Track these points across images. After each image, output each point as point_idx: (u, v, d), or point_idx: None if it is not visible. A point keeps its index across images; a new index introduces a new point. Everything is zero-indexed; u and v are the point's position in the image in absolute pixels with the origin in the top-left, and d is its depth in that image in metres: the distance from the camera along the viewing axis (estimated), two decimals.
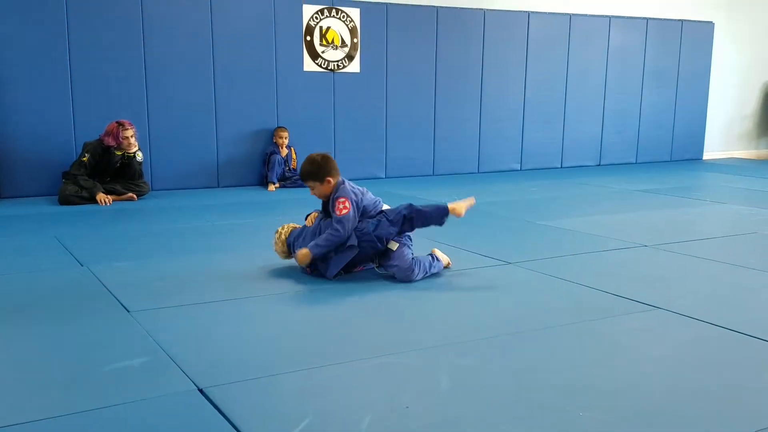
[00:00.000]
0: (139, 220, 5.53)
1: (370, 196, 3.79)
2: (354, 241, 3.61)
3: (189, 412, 2.15)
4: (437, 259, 3.80)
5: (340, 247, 3.62)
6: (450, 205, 3.71)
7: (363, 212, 3.71)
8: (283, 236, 3.87)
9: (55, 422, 2.07)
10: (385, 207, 3.81)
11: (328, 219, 3.72)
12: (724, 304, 3.29)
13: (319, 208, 3.91)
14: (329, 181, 3.71)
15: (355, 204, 3.66)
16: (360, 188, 3.78)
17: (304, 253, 3.62)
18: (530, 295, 3.44)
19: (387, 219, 3.66)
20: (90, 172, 6.15)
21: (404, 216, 3.65)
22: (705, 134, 10.23)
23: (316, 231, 3.74)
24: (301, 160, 7.26)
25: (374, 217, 3.71)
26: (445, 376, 2.43)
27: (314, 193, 3.80)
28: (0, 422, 2.05)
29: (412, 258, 3.68)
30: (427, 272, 3.70)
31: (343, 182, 3.74)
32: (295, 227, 3.93)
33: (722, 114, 10.47)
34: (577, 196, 6.80)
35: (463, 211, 3.75)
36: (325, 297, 3.38)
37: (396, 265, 3.64)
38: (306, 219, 3.95)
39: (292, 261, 3.86)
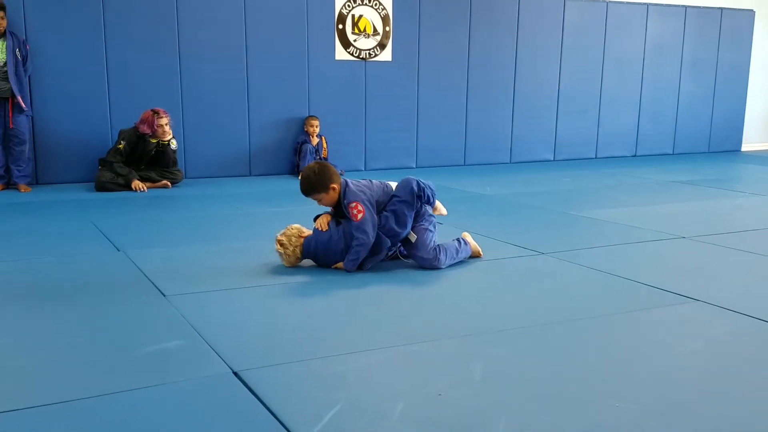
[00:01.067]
0: (174, 207, 5.59)
1: (377, 185, 3.70)
2: (386, 242, 3.58)
3: (224, 394, 2.17)
4: (465, 242, 3.76)
5: (373, 248, 3.58)
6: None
7: (378, 206, 3.63)
8: (291, 249, 3.59)
9: (94, 401, 2.10)
10: (392, 184, 3.73)
11: (342, 219, 3.65)
12: (763, 297, 3.22)
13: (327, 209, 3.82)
14: (334, 188, 3.62)
15: (368, 204, 3.58)
16: (364, 182, 3.71)
17: (340, 266, 3.60)
18: (563, 286, 3.40)
19: (401, 201, 3.59)
20: (125, 159, 6.24)
21: (414, 193, 3.59)
22: (744, 125, 10.01)
23: (334, 237, 3.61)
24: (333, 150, 7.42)
25: (388, 203, 3.63)
26: (478, 365, 2.42)
27: (323, 204, 3.71)
28: (41, 401, 2.09)
29: (437, 246, 3.64)
30: (454, 258, 3.67)
31: (347, 184, 3.65)
32: (301, 233, 3.66)
33: (762, 105, 10.23)
34: (612, 187, 6.71)
35: (443, 211, 3.86)
36: (358, 284, 3.38)
37: (419, 255, 3.61)
38: (315, 222, 3.74)
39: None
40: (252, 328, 2.76)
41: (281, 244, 3.59)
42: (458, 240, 3.78)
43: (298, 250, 3.60)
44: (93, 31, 6.46)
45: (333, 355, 2.47)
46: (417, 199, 3.60)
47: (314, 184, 3.62)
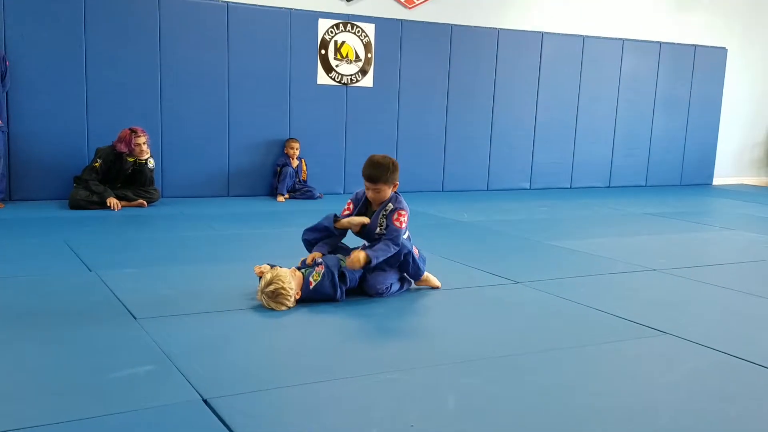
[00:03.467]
0: (149, 226, 5.54)
1: None
2: (409, 257, 3.55)
3: (193, 423, 2.14)
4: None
5: (393, 260, 3.52)
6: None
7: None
8: (293, 293, 3.27)
9: (59, 428, 2.06)
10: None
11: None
12: (734, 332, 3.27)
13: (309, 253, 3.63)
14: (396, 186, 3.62)
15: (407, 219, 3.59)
16: None
17: (362, 256, 3.39)
18: (538, 316, 3.42)
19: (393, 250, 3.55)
20: (101, 177, 6.19)
21: (399, 260, 3.57)
22: (715, 160, 10.21)
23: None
24: (312, 172, 7.43)
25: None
26: (451, 394, 2.42)
27: (375, 197, 3.56)
28: (4, 426, 2.05)
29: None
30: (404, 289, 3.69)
31: (398, 193, 3.67)
32: (285, 272, 3.31)
33: (733, 140, 10.44)
34: (587, 218, 6.79)
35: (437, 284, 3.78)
36: (332, 311, 3.37)
37: (373, 285, 3.54)
38: (304, 263, 3.53)
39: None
40: (224, 354, 2.73)
41: (281, 292, 3.24)
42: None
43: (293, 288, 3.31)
44: (73, 48, 6.43)
45: (306, 383, 2.46)
46: (398, 264, 3.58)
47: (389, 172, 3.53)
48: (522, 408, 2.34)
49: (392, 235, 3.52)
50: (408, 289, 3.72)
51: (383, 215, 3.61)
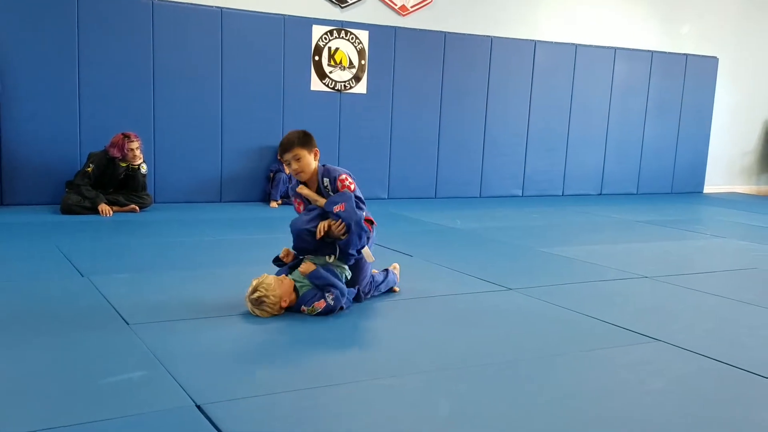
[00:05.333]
0: (141, 232, 5.53)
1: None
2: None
3: (186, 429, 2.14)
4: (392, 273, 3.75)
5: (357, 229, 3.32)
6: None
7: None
8: (277, 300, 3.24)
9: None
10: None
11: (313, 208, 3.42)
12: (724, 339, 3.29)
13: (283, 248, 3.53)
14: (317, 153, 3.42)
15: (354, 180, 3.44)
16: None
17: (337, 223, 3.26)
18: (530, 323, 3.43)
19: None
20: (94, 182, 6.17)
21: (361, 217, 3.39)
22: (706, 168, 10.27)
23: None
24: None
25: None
26: (444, 401, 2.43)
27: (297, 168, 3.36)
28: None
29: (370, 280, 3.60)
30: (379, 291, 3.67)
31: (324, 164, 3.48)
32: (271, 279, 3.29)
33: (724, 148, 10.52)
34: (578, 225, 6.82)
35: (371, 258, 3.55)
36: (325, 317, 3.38)
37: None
38: (280, 260, 3.49)
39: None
40: (218, 359, 2.73)
41: (264, 300, 3.22)
42: (386, 270, 3.78)
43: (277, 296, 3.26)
44: (66, 52, 6.42)
45: (299, 389, 2.46)
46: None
47: (300, 138, 3.36)
48: (514, 414, 2.35)
49: (354, 200, 3.28)
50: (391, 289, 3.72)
51: (326, 190, 3.39)
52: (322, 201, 3.42)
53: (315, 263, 3.41)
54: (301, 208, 3.58)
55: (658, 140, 9.74)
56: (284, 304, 3.31)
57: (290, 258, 3.52)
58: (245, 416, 2.24)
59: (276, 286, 3.28)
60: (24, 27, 6.27)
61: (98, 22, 6.51)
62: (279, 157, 3.45)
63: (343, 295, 3.34)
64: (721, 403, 2.54)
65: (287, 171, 7.20)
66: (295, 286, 3.38)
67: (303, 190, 3.49)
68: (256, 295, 3.24)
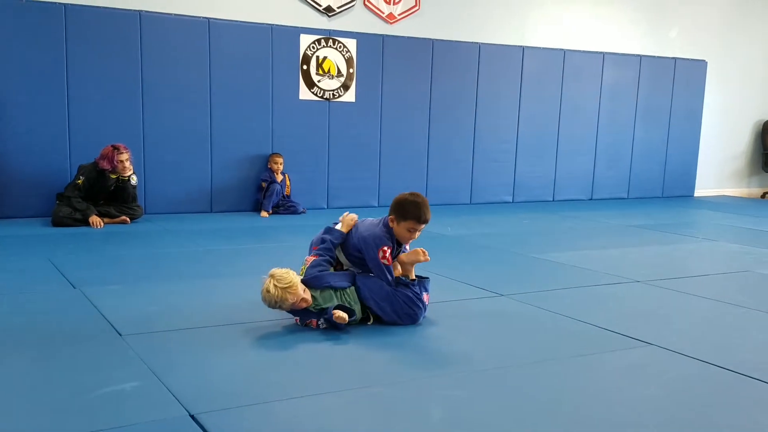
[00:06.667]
0: (132, 243, 5.51)
1: None
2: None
3: None
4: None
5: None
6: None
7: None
8: (298, 294, 3.23)
9: None
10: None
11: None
12: (717, 342, 3.30)
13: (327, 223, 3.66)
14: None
15: None
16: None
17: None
18: (522, 328, 3.44)
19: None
20: (84, 194, 6.15)
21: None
22: (696, 171, 10.33)
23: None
24: (295, 187, 7.43)
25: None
26: (435, 407, 2.42)
27: (416, 237, 3.48)
28: None
29: None
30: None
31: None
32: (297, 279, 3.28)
33: (714, 152, 10.59)
34: (569, 230, 6.84)
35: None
36: (317, 328, 3.37)
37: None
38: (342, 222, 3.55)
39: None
40: (211, 369, 2.72)
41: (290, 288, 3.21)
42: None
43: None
44: (55, 64, 6.41)
45: (292, 398, 2.46)
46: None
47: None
48: (507, 420, 2.35)
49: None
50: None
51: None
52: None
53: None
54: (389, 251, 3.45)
55: (648, 144, 9.80)
56: (296, 302, 3.23)
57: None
58: (239, 425, 2.23)
59: (299, 286, 3.23)
60: (12, 40, 6.25)
61: (86, 33, 6.50)
62: (416, 222, 3.38)
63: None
64: (714, 406, 2.55)
65: (278, 179, 7.20)
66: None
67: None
68: (284, 284, 3.17)
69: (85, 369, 2.68)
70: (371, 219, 3.61)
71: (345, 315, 3.23)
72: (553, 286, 4.29)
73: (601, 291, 4.26)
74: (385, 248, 3.39)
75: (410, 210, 3.40)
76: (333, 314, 3.22)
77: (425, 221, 3.45)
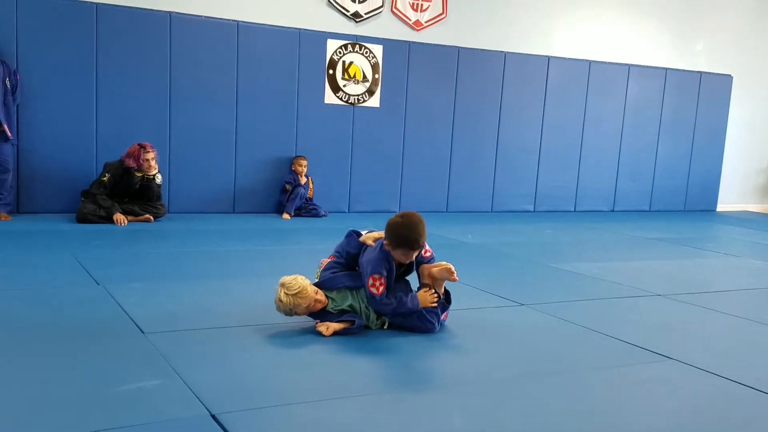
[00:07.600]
0: (156, 242, 5.57)
1: None
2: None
3: None
4: None
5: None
6: None
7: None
8: (309, 298, 3.28)
9: None
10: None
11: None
12: (739, 359, 3.27)
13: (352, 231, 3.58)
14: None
15: None
16: None
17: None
18: (543, 339, 3.43)
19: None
20: (109, 192, 6.23)
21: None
22: (720, 186, 10.23)
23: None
24: (318, 191, 7.47)
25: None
26: (457, 415, 2.43)
27: (411, 258, 3.39)
28: None
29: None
30: None
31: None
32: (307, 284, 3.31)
33: (737, 166, 10.47)
34: (591, 241, 6.80)
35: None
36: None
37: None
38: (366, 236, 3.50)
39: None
40: (232, 369, 2.74)
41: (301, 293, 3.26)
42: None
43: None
44: (84, 63, 6.50)
45: (314, 401, 2.47)
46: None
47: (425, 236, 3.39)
48: (526, 431, 2.34)
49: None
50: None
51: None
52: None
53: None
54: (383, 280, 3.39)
55: (671, 157, 9.72)
56: (311, 304, 3.27)
57: None
58: (260, 426, 2.25)
59: (310, 289, 3.27)
60: (43, 39, 6.35)
61: (116, 33, 6.59)
62: (411, 251, 3.37)
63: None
64: (733, 423, 2.53)
65: (302, 182, 7.24)
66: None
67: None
68: (295, 290, 3.22)
69: (108, 365, 2.71)
70: (380, 239, 3.48)
71: (333, 327, 3.25)
72: (575, 297, 4.27)
73: (622, 303, 4.24)
74: (375, 276, 3.31)
75: (401, 239, 3.31)
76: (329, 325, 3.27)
77: (419, 248, 3.37)
